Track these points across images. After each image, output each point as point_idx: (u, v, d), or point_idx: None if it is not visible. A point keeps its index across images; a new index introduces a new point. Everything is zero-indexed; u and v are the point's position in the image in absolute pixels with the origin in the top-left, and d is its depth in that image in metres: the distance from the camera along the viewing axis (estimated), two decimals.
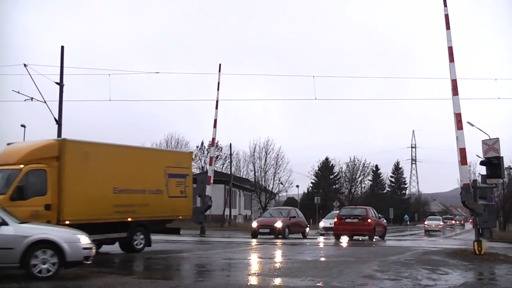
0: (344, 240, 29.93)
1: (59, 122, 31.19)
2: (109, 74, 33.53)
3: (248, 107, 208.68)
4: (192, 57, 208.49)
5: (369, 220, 30.58)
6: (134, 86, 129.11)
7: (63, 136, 30.64)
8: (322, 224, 41.23)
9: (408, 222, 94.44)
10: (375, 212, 33.83)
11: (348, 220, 30.84)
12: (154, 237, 20.57)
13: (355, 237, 31.02)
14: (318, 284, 11.69)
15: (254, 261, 17.25)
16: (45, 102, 30.48)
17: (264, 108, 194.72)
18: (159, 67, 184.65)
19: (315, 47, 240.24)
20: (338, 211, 37.72)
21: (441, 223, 61.98)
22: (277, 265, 15.85)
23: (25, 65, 29.35)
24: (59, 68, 31.71)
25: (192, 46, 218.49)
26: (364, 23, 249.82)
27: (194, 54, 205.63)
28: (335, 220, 31.98)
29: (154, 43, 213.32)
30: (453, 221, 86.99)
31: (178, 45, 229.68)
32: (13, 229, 11.52)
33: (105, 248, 19.27)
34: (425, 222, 60.86)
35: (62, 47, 32.10)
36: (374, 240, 30.31)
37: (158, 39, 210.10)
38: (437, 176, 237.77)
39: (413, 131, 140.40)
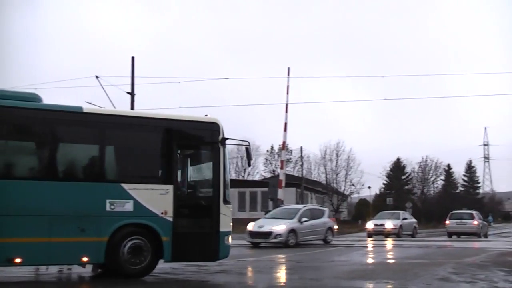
0: None
1: None
2: (179, 82, 34.36)
3: (318, 109, 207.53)
4: (264, 60, 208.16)
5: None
6: (206, 92, 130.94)
7: None
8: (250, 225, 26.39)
9: (492, 223, 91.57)
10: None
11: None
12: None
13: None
14: (392, 287, 11.88)
15: (330, 264, 17.54)
16: None
17: (334, 109, 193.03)
18: (234, 71, 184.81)
19: (386, 47, 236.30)
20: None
21: None
22: (351, 267, 16.11)
23: (97, 77, 30.55)
24: (130, 78, 32.75)
25: (265, 48, 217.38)
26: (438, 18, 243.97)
27: (267, 56, 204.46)
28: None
29: (230, 46, 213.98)
30: None
31: (252, 47, 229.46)
32: None
33: None
34: None
35: (133, 58, 33.21)
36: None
37: (234, 43, 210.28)
38: None
39: (485, 128, 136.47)
